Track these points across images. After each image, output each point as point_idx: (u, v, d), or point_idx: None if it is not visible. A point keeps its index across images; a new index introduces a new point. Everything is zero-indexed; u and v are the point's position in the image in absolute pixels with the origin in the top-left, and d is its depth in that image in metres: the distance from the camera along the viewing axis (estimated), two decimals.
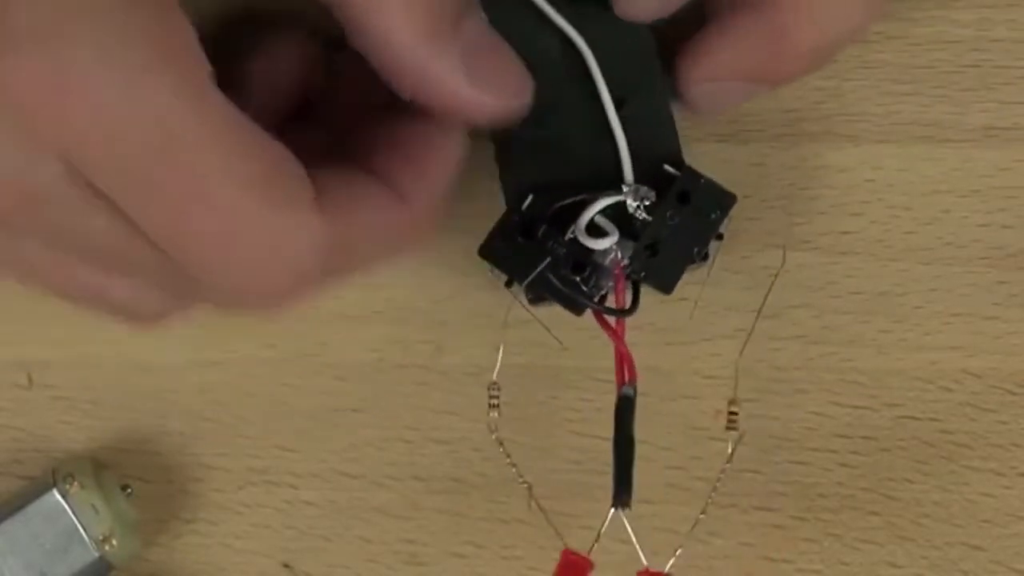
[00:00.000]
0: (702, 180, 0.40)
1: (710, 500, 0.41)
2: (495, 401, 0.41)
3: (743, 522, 0.44)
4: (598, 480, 0.42)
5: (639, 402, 0.40)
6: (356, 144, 0.37)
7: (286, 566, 0.45)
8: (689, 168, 0.40)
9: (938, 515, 0.44)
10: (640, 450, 0.39)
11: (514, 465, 0.42)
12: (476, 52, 0.35)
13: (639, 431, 0.39)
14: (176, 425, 0.45)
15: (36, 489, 0.43)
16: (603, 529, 0.39)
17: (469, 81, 0.35)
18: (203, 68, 0.31)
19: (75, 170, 0.31)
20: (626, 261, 0.39)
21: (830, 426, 0.44)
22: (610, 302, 0.40)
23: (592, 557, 0.40)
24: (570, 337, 0.43)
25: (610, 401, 0.40)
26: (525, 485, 0.42)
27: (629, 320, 0.40)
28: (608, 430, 0.39)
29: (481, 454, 0.45)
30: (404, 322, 0.45)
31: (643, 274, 0.39)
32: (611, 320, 0.39)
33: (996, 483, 0.44)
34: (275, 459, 0.45)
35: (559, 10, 0.41)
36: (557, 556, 0.40)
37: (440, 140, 0.37)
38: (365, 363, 0.45)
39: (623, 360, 0.39)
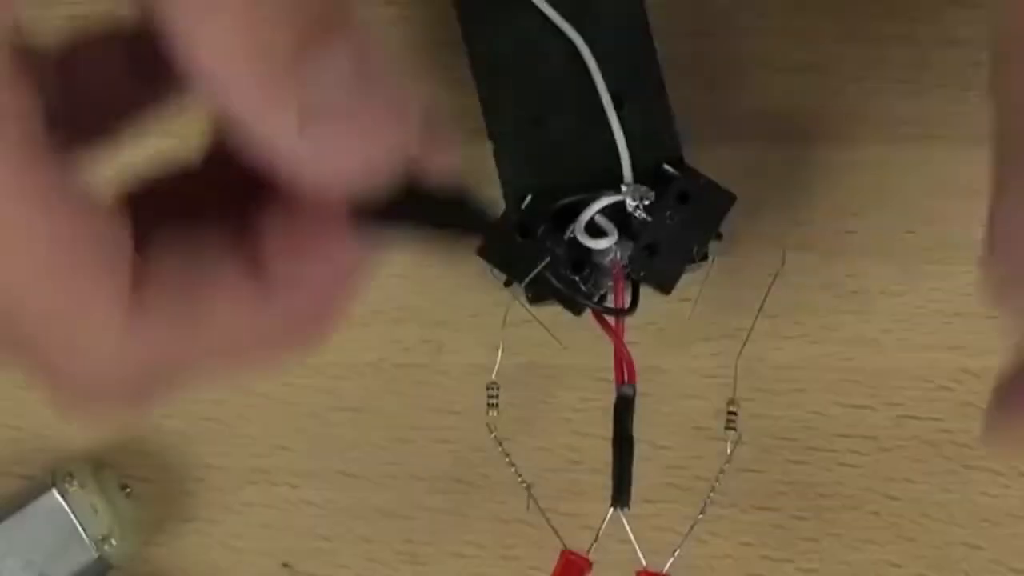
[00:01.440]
0: (702, 180, 0.40)
1: (709, 500, 0.41)
2: (494, 401, 0.41)
3: (743, 522, 0.44)
4: (598, 480, 0.42)
5: (639, 402, 0.40)
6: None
7: (286, 566, 0.45)
8: (689, 168, 0.40)
9: (938, 515, 0.44)
10: (640, 449, 0.39)
11: (513, 465, 0.42)
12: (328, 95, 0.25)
13: (639, 431, 0.39)
14: (176, 425, 0.45)
15: (36, 489, 0.43)
16: (602, 529, 0.39)
17: (301, 136, 0.25)
18: (26, 125, 0.25)
19: None
20: (625, 261, 0.39)
21: (830, 426, 0.44)
22: (609, 302, 0.40)
23: (591, 557, 0.40)
24: (570, 337, 0.43)
25: (610, 401, 0.40)
26: (525, 485, 0.42)
27: (629, 320, 0.40)
28: (608, 430, 0.39)
29: (481, 454, 0.45)
30: (404, 322, 0.45)
31: (642, 274, 0.39)
32: (610, 320, 0.39)
33: (996, 483, 0.44)
34: (275, 459, 0.45)
35: (558, 9, 0.41)
36: (556, 556, 0.40)
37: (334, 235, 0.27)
38: (365, 363, 0.45)
39: (622, 360, 0.39)
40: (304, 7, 0.25)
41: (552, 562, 0.40)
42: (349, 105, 0.25)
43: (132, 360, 0.28)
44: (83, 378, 0.28)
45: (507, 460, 0.42)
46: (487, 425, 0.41)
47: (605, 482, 0.39)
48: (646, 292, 0.40)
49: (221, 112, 0.26)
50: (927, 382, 0.44)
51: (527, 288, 0.39)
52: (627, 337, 0.39)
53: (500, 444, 0.41)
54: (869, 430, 0.44)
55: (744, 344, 0.42)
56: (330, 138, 0.25)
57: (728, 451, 0.41)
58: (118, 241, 0.27)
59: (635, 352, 0.42)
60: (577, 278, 0.39)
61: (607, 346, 0.40)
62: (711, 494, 0.41)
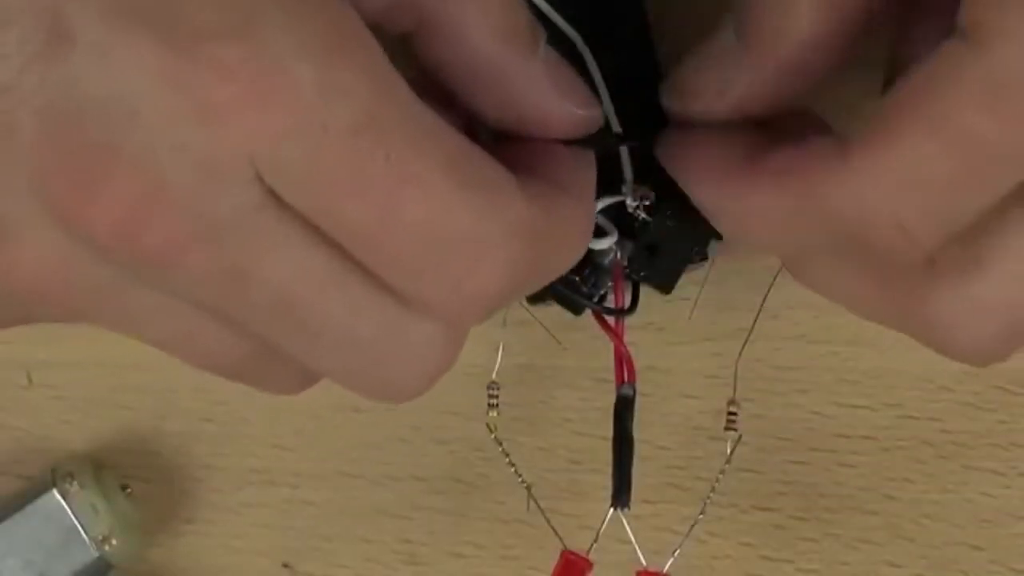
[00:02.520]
0: None
1: (709, 500, 0.41)
2: (494, 401, 0.41)
3: (743, 522, 0.44)
4: (598, 480, 0.42)
5: (639, 402, 0.40)
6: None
7: (286, 566, 0.45)
8: None
9: (938, 515, 0.44)
10: (640, 449, 0.39)
11: (513, 465, 0.42)
12: (555, 63, 0.35)
13: (639, 430, 0.39)
14: (176, 425, 0.45)
15: (36, 489, 0.43)
16: (602, 529, 0.39)
17: (555, 91, 0.34)
18: (378, 48, 0.30)
19: (267, 189, 0.29)
20: (625, 261, 0.39)
21: (830, 426, 0.44)
22: (609, 302, 0.40)
23: (591, 557, 0.40)
24: (570, 337, 0.43)
25: (610, 401, 0.40)
26: (525, 485, 0.42)
27: (629, 320, 0.40)
28: (608, 430, 0.39)
29: (481, 454, 0.45)
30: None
31: (643, 274, 0.39)
32: (610, 320, 0.39)
33: (996, 483, 0.44)
34: (275, 459, 0.45)
35: (556, 8, 0.40)
36: (557, 556, 0.40)
37: (572, 153, 0.35)
38: None
39: (622, 360, 0.39)
40: None
41: (552, 562, 0.40)
42: (561, 57, 0.35)
43: (528, 241, 0.31)
44: (494, 266, 0.31)
45: (507, 460, 0.41)
46: (487, 425, 0.41)
47: (605, 482, 0.39)
48: (646, 291, 0.40)
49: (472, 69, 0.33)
50: (927, 382, 0.44)
51: None
52: (627, 337, 0.39)
53: (500, 444, 0.41)
54: (869, 430, 0.44)
55: (744, 345, 0.42)
56: (565, 81, 0.35)
57: (728, 451, 0.41)
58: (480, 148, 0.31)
59: (635, 352, 0.42)
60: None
61: (607, 346, 0.39)
62: (711, 494, 0.41)
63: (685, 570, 0.42)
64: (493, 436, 0.41)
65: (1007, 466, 0.44)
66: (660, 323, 0.44)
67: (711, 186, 0.35)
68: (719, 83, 0.35)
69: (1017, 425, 0.44)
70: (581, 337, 0.42)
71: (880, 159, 0.30)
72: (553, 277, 0.35)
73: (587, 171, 0.35)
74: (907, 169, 0.30)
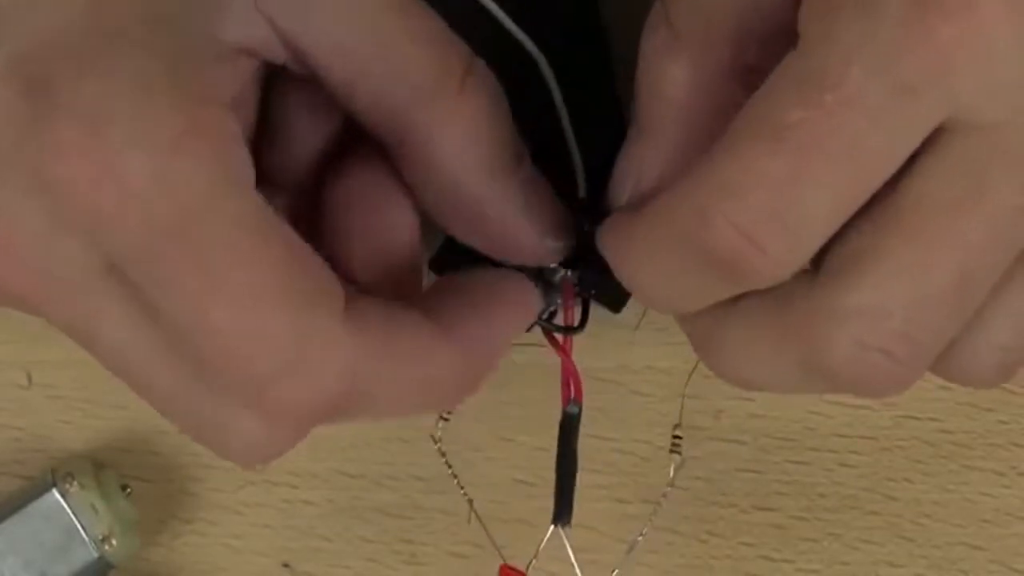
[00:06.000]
0: None
1: (650, 523, 0.41)
2: (447, 415, 0.41)
3: (743, 522, 0.44)
4: (599, 480, 0.42)
5: (639, 402, 0.40)
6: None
7: (286, 566, 0.45)
8: None
9: (938, 515, 0.44)
10: (640, 450, 0.39)
11: (455, 476, 0.41)
12: (533, 189, 0.35)
13: (639, 430, 0.39)
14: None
15: (36, 489, 0.43)
16: (542, 545, 0.39)
17: (530, 223, 0.34)
18: (234, 154, 0.30)
19: (103, 254, 0.30)
20: (575, 279, 0.38)
21: (830, 426, 0.44)
22: (559, 319, 0.39)
23: (530, 574, 0.40)
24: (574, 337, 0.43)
25: (609, 401, 0.40)
26: (467, 499, 0.42)
27: (629, 319, 0.40)
28: (608, 430, 0.39)
29: (481, 454, 0.45)
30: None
31: (593, 291, 0.39)
32: (559, 337, 0.39)
33: (996, 483, 0.44)
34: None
35: (516, 21, 0.40)
36: (556, 556, 0.40)
37: (513, 291, 0.35)
38: None
39: (570, 377, 0.39)
40: None
41: (552, 562, 0.40)
42: (542, 183, 0.35)
43: (345, 374, 0.30)
44: (301, 389, 0.30)
45: (450, 472, 0.41)
46: (431, 436, 0.41)
47: (608, 482, 0.39)
48: None
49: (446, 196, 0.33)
50: (927, 382, 0.44)
51: None
52: (627, 337, 0.39)
53: (443, 455, 0.41)
54: (868, 430, 0.44)
55: (691, 374, 0.42)
56: (542, 211, 0.35)
57: (671, 473, 0.41)
58: (327, 270, 0.31)
59: (635, 352, 0.42)
60: None
61: (606, 346, 0.39)
62: (652, 517, 0.41)
63: (685, 570, 0.42)
64: (436, 446, 0.41)
65: (1007, 466, 0.44)
66: (660, 323, 0.44)
67: (617, 250, 0.34)
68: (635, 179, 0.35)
69: (1017, 425, 0.44)
70: (581, 337, 0.42)
71: (716, 168, 0.30)
72: (405, 411, 0.34)
73: (498, 329, 0.34)
74: (738, 173, 0.29)
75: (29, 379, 0.46)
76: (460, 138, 0.33)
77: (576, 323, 0.39)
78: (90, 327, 0.31)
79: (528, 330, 0.39)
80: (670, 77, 0.32)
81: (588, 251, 0.36)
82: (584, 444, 0.45)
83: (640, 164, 0.34)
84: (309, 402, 0.31)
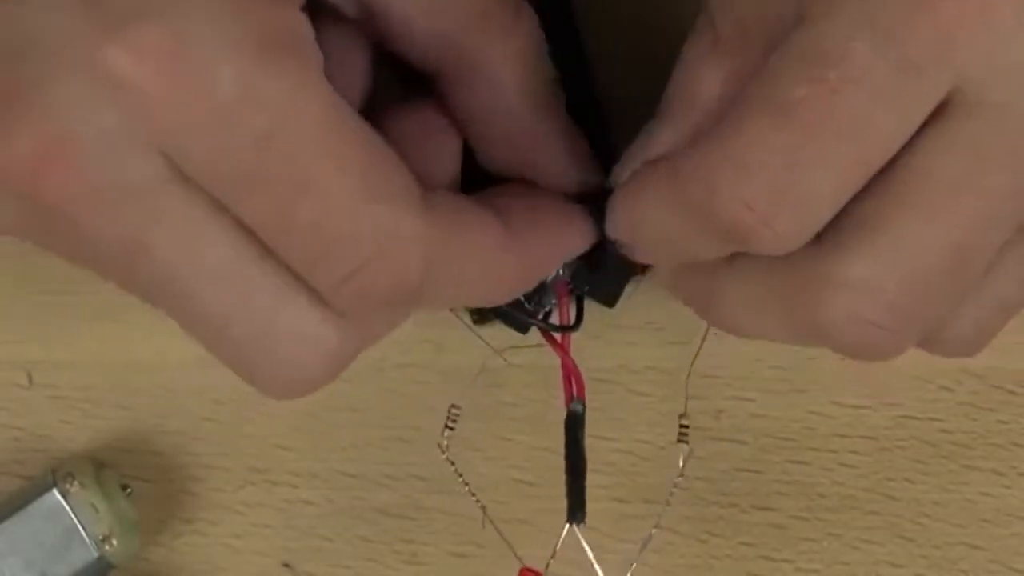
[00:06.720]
0: None
1: (662, 514, 0.41)
2: (452, 424, 0.41)
3: (743, 522, 0.44)
4: (600, 480, 0.42)
5: (639, 402, 0.40)
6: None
7: (286, 566, 0.45)
8: None
9: (938, 515, 0.44)
10: (640, 450, 0.39)
11: (466, 484, 0.41)
12: (570, 124, 0.36)
13: (639, 430, 0.39)
14: (176, 425, 0.45)
15: (36, 489, 0.43)
16: (558, 546, 0.39)
17: (570, 148, 0.35)
18: (313, 56, 0.30)
19: (174, 165, 0.29)
20: (569, 277, 0.38)
21: (830, 426, 0.44)
22: (555, 319, 0.39)
23: (545, 573, 0.40)
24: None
25: (609, 401, 0.40)
26: (480, 505, 0.42)
27: (628, 319, 0.40)
28: (608, 430, 0.39)
29: (481, 454, 0.45)
30: (404, 322, 0.45)
31: (586, 289, 0.39)
32: (557, 336, 0.39)
33: (996, 483, 0.44)
34: (275, 459, 0.45)
35: None
36: (555, 556, 0.40)
37: (574, 215, 0.36)
38: (365, 363, 0.45)
39: (570, 375, 0.39)
40: None
41: (554, 562, 0.40)
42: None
43: (423, 262, 0.31)
44: (385, 274, 0.31)
45: (461, 480, 0.41)
46: (438, 446, 0.41)
47: (608, 482, 0.39)
48: (645, 290, 0.40)
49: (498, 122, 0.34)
50: (927, 382, 0.44)
51: (470, 309, 0.39)
52: (627, 337, 0.39)
53: (453, 464, 0.41)
54: (868, 430, 0.44)
55: (695, 357, 0.42)
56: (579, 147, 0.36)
57: (680, 464, 0.41)
58: (401, 163, 0.31)
59: (635, 352, 0.42)
60: (520, 296, 0.38)
61: (606, 346, 0.40)
62: (665, 507, 0.41)
63: (685, 570, 0.42)
64: (444, 456, 0.41)
65: (1007, 466, 0.44)
66: (660, 323, 0.44)
67: (620, 208, 0.35)
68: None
69: (1017, 425, 0.44)
70: (581, 337, 0.42)
71: (725, 142, 0.30)
72: (457, 301, 0.35)
73: (554, 237, 0.35)
74: (744, 148, 0.30)
75: (29, 379, 0.46)
76: (516, 60, 0.34)
77: (572, 322, 0.39)
78: (146, 238, 0.30)
79: (525, 331, 0.39)
80: (707, 79, 0.33)
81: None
82: (586, 444, 0.45)
83: (659, 144, 0.34)
84: (389, 291, 0.31)
